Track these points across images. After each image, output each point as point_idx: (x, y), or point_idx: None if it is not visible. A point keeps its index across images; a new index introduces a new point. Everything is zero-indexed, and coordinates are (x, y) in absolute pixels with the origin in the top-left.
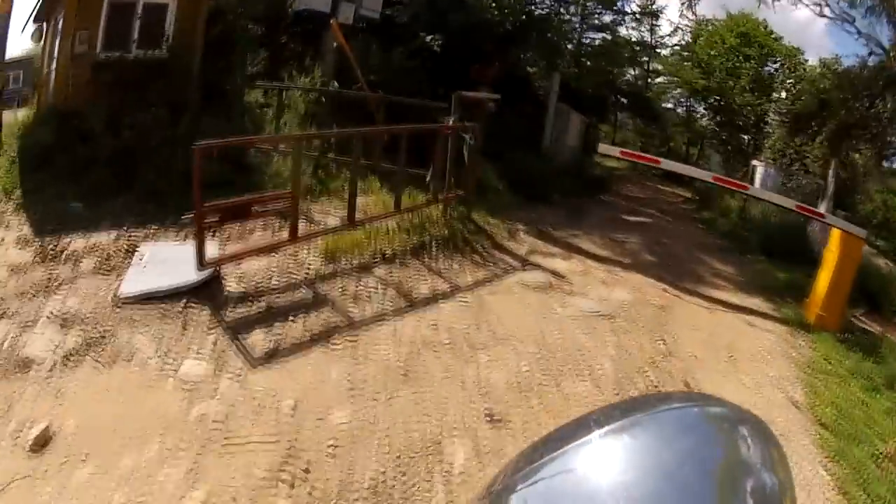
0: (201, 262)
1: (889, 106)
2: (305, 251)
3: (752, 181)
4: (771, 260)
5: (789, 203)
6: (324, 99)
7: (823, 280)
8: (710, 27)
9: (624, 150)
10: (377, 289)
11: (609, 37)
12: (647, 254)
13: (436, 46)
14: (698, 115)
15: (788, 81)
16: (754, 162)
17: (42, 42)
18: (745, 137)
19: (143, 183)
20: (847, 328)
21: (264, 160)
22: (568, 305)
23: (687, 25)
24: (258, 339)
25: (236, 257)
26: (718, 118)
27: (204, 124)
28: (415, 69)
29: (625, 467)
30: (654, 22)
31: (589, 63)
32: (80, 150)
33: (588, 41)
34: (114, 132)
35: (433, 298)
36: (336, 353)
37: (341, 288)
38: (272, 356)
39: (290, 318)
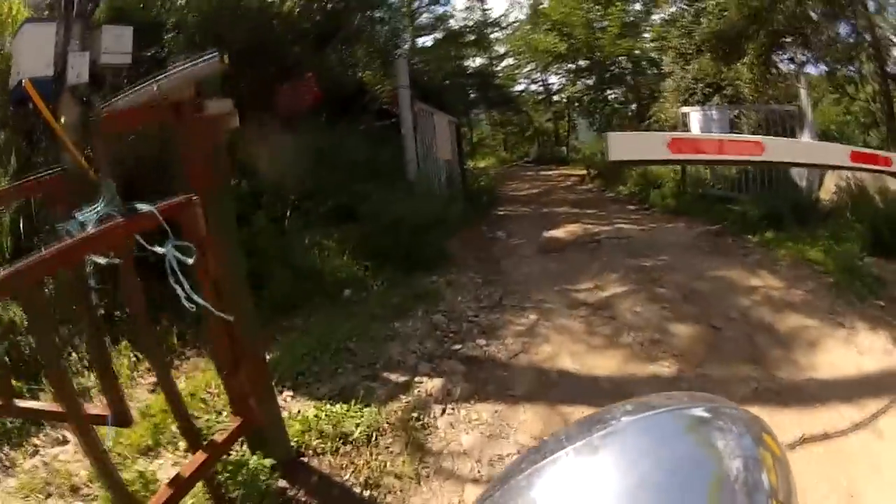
0: None
1: None
2: None
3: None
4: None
5: None
6: None
7: None
8: None
9: (676, 135)
10: None
11: (440, 35)
12: (693, 338)
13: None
14: (559, 86)
15: (676, 8)
16: (685, 109)
17: None
18: (618, 92)
19: None
20: None
21: None
22: None
23: None
24: None
25: None
26: (589, 80)
27: None
28: None
29: (593, 488)
30: (484, 6)
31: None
32: None
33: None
34: None
35: None
36: None
37: None
38: None
39: None
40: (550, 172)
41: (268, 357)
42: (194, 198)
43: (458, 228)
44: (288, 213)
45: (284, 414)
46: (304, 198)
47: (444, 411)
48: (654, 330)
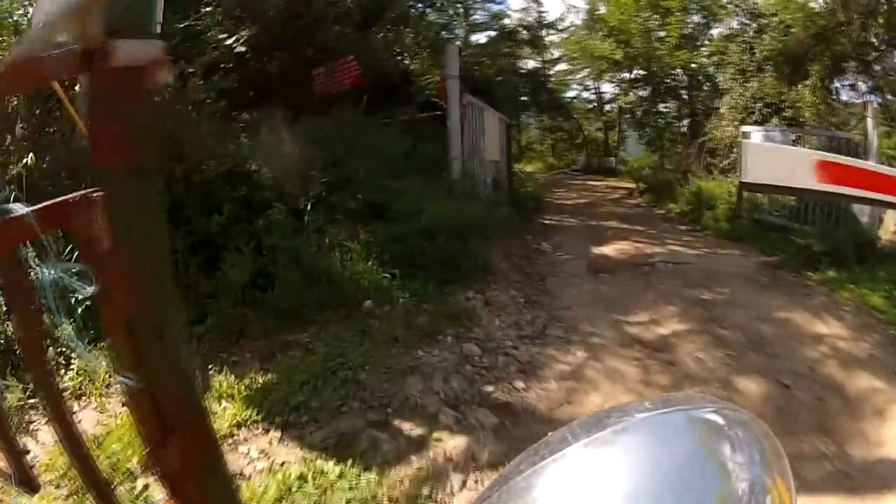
0: None
1: (882, 24)
2: None
3: None
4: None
5: None
6: None
7: None
8: None
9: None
10: None
11: (494, 33)
12: None
13: (238, 47)
14: (612, 96)
15: (738, 23)
16: (745, 128)
17: None
18: (671, 106)
19: None
20: None
21: None
22: None
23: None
24: None
25: None
26: (645, 91)
27: None
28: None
29: (596, 484)
30: (540, 8)
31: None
32: None
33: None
34: None
35: None
36: None
37: None
38: None
39: None
40: (598, 183)
41: (261, 380)
42: (96, 194)
43: (502, 236)
44: (309, 207)
45: (266, 464)
46: (332, 190)
47: (464, 484)
48: (719, 384)
